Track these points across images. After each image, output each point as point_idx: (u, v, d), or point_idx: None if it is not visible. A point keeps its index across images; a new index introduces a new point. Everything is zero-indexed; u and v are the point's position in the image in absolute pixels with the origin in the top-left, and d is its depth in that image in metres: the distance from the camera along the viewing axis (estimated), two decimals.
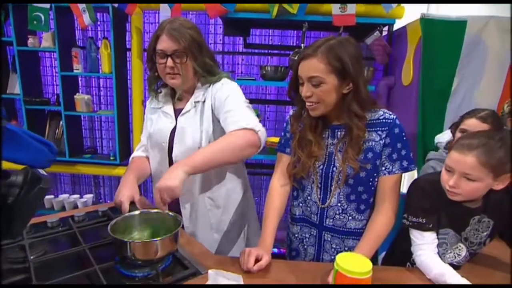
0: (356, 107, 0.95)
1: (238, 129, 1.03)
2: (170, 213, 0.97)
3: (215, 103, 1.15)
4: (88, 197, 2.50)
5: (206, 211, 1.22)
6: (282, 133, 1.18)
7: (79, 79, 2.54)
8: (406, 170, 0.99)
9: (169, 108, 1.23)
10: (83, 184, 2.88)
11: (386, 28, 2.17)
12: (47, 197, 2.39)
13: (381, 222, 0.98)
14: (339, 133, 1.03)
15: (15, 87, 2.29)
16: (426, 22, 1.72)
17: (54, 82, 2.61)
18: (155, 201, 0.95)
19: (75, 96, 2.26)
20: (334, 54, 0.91)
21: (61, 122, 2.34)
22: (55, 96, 2.33)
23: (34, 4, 1.96)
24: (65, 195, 2.42)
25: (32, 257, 0.89)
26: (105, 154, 2.61)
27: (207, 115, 1.16)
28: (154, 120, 1.25)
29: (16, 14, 2.11)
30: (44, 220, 1.10)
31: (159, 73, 1.16)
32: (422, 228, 0.96)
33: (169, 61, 1.10)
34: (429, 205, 0.96)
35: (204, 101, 1.18)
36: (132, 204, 1.04)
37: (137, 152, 1.33)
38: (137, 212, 0.97)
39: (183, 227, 1.22)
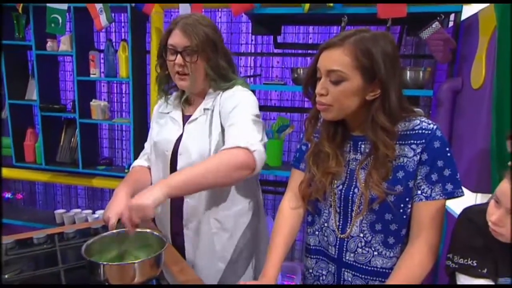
0: (383, 119, 0.87)
1: (230, 148, 1.02)
2: (155, 232, 0.96)
3: (222, 113, 1.15)
4: (102, 213, 2.61)
5: (211, 235, 1.20)
6: (298, 145, 1.13)
7: (98, 84, 2.71)
8: (450, 195, 0.88)
9: (177, 114, 1.25)
10: (98, 198, 3.03)
11: (452, 17, 2.02)
12: (58, 211, 2.54)
13: (415, 260, 0.88)
14: (362, 146, 0.95)
15: (33, 93, 2.51)
16: (503, 6, 1.56)
17: (73, 88, 2.82)
18: (122, 219, 0.96)
19: (91, 103, 2.41)
20: (365, 48, 0.85)
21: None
22: (72, 103, 2.51)
23: (52, 5, 2.15)
24: (77, 210, 2.56)
25: (6, 276, 0.93)
26: (121, 166, 2.73)
27: (216, 125, 1.16)
28: (161, 126, 1.28)
29: (37, 18, 2.33)
30: (31, 236, 1.15)
31: (169, 71, 1.19)
32: (473, 273, 0.84)
33: (179, 58, 1.13)
34: (482, 244, 0.84)
35: (213, 109, 1.18)
36: (121, 221, 1.06)
37: (139, 161, 1.35)
38: (117, 231, 0.97)
39: (183, 253, 1.21)
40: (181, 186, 0.96)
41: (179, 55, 1.12)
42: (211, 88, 1.21)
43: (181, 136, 1.21)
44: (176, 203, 1.21)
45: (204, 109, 1.19)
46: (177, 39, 1.12)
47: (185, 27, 1.11)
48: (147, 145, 1.37)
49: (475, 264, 0.84)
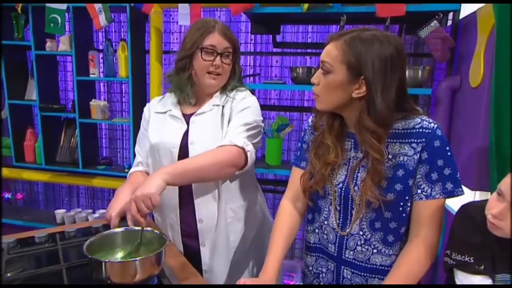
0: (368, 121, 0.87)
1: (227, 145, 1.10)
2: (156, 230, 0.97)
3: (232, 110, 1.20)
4: (102, 212, 2.62)
5: (226, 225, 1.23)
6: (299, 143, 1.14)
7: (97, 84, 2.72)
8: (450, 195, 0.89)
9: (177, 112, 1.26)
10: (98, 197, 3.04)
11: (451, 16, 2.03)
12: (58, 211, 2.55)
13: (413, 258, 0.89)
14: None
15: (32, 93, 2.52)
16: (501, 5, 1.56)
17: (72, 88, 2.82)
18: (131, 213, 0.98)
19: (90, 103, 2.42)
20: (355, 46, 0.86)
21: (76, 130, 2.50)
22: (72, 103, 2.51)
23: (51, 5, 2.15)
24: (78, 210, 2.57)
25: (8, 274, 0.93)
26: (121, 165, 2.74)
27: (227, 119, 1.21)
28: (160, 126, 1.26)
29: (36, 18, 2.33)
30: (33, 235, 1.16)
31: (198, 70, 1.20)
32: (470, 269, 0.85)
33: (218, 59, 1.18)
34: (480, 240, 0.85)
35: (224, 106, 1.22)
36: (123, 220, 1.06)
37: (136, 168, 1.34)
38: (119, 230, 0.98)
39: (198, 256, 1.23)
40: (179, 175, 1.02)
41: (218, 56, 1.18)
42: (220, 89, 1.26)
43: (186, 131, 1.21)
44: (185, 199, 1.22)
45: (213, 105, 1.23)
46: (217, 40, 1.18)
47: (225, 30, 1.19)
48: (140, 152, 1.34)
49: (472, 261, 0.85)
